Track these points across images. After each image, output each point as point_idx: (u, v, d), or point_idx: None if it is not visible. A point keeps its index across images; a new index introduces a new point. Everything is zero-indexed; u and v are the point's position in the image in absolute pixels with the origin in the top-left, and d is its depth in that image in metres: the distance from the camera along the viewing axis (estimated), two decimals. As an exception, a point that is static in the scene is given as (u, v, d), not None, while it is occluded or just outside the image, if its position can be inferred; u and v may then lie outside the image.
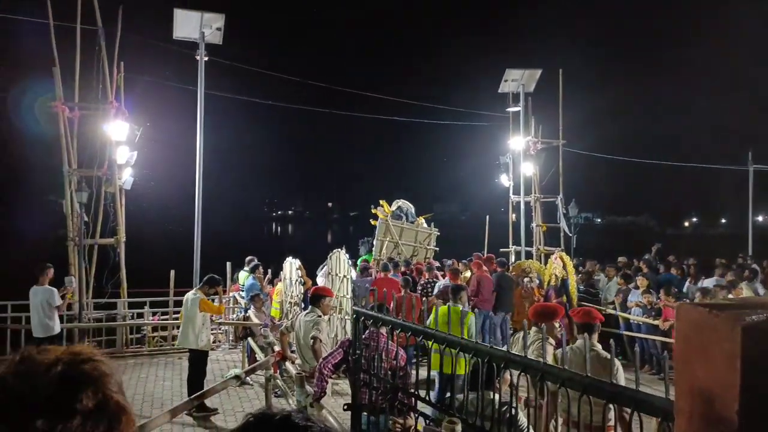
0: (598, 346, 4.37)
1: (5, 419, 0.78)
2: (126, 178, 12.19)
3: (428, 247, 14.25)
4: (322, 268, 10.63)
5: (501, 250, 16.57)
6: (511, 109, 17.27)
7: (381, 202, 14.41)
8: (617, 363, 3.89)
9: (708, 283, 10.90)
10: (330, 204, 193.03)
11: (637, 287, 10.35)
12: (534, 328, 4.81)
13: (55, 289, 8.54)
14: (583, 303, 10.60)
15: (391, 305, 4.56)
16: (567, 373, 2.33)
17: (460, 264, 12.20)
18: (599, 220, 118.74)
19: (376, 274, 10.90)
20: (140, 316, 11.79)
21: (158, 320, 11.85)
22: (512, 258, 16.29)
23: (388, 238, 13.55)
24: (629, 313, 10.07)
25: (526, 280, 11.05)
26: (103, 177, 11.78)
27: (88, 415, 0.81)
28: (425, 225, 14.65)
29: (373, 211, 14.15)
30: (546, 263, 12.83)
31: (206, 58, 12.10)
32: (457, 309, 6.48)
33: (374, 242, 14.37)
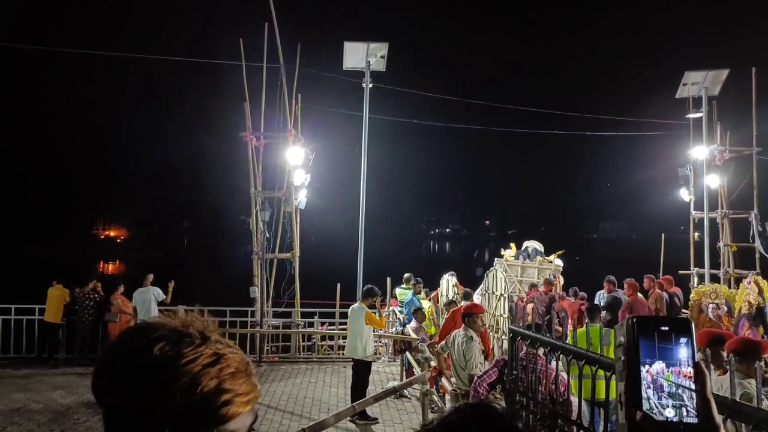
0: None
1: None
2: (301, 198, 13.41)
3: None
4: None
5: (680, 272, 14.91)
6: (691, 116, 15.52)
7: (511, 245, 14.79)
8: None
9: None
10: (488, 222, 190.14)
11: None
12: (699, 354, 4.33)
13: (158, 288, 10.55)
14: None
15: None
16: (763, 413, 2.03)
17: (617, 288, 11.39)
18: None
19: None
20: (311, 325, 12.81)
21: (326, 329, 12.78)
22: (695, 281, 14.62)
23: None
24: None
25: (711, 306, 9.83)
26: (282, 198, 13.13)
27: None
28: (558, 261, 14.33)
29: (502, 252, 14.60)
30: (737, 288, 11.28)
31: (371, 85, 12.92)
32: (596, 329, 6.43)
33: None
